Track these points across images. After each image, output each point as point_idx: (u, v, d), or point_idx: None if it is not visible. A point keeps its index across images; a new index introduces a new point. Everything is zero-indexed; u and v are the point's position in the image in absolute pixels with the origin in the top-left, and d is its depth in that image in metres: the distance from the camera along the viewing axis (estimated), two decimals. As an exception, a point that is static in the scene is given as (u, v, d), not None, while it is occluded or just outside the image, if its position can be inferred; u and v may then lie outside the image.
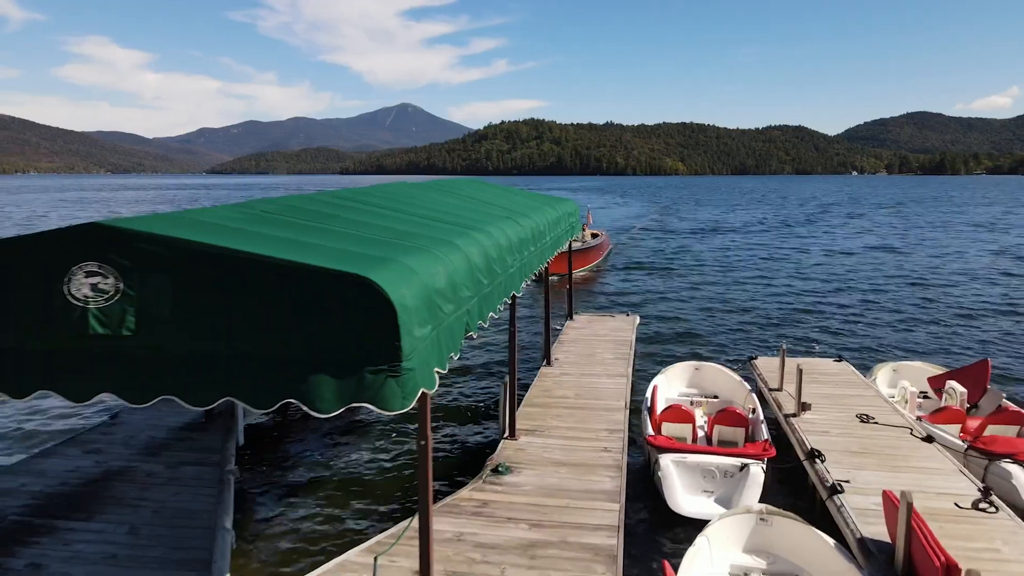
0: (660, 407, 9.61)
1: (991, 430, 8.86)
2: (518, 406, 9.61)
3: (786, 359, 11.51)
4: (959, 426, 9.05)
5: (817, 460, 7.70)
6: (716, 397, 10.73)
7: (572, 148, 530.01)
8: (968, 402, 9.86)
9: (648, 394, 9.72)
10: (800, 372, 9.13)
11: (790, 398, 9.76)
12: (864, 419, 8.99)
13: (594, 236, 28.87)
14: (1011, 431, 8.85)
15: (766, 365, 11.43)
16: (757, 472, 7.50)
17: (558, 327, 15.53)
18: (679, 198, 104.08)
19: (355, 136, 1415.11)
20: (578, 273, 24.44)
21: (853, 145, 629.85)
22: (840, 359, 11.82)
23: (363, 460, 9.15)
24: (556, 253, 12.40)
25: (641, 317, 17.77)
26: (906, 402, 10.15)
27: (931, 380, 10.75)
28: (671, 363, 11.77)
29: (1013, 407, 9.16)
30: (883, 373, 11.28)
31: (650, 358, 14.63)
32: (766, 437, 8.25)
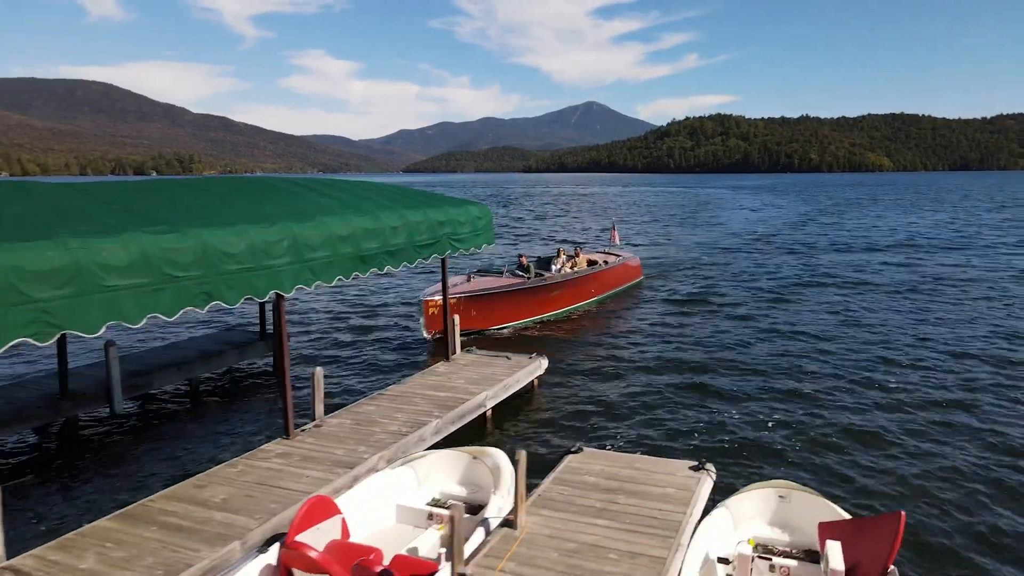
0: (308, 533, 6.10)
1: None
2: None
3: (611, 455, 7.52)
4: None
5: None
6: (482, 507, 7.04)
7: (760, 144, 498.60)
8: (853, 585, 5.43)
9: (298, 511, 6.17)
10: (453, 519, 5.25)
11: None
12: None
13: (591, 263, 20.03)
14: None
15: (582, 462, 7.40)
16: None
17: (410, 372, 12.28)
18: (849, 199, 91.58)
19: (540, 135, 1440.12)
20: (558, 314, 18.04)
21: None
22: (700, 465, 7.44)
23: None
24: (376, 271, 9.35)
25: (598, 366, 13.70)
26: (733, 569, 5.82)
27: (823, 528, 6.24)
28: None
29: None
30: (754, 498, 6.80)
31: (519, 433, 10.81)
32: None
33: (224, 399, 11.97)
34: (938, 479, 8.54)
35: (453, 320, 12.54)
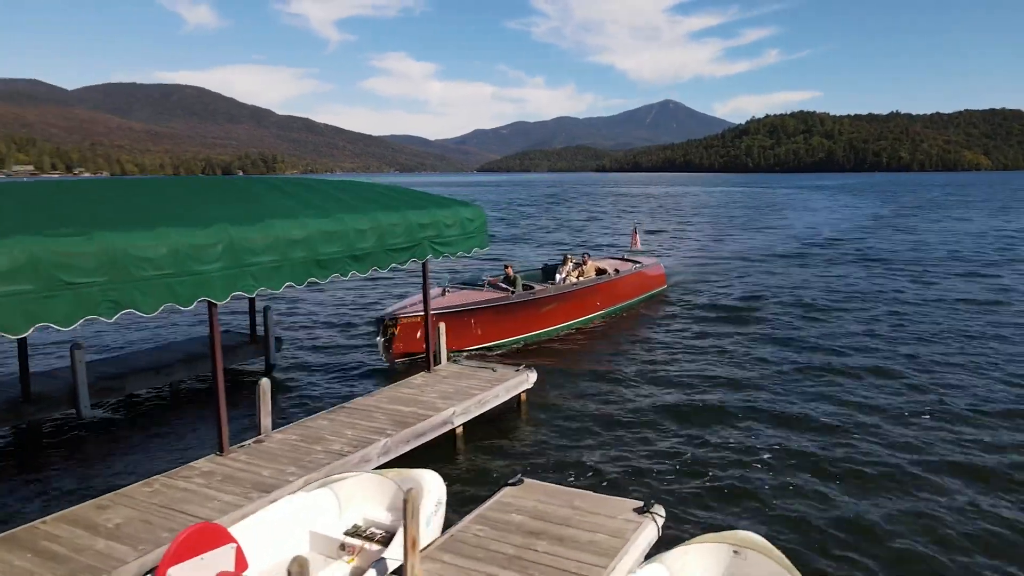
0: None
1: None
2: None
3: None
4: None
5: None
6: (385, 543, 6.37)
7: (846, 142, 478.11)
8: None
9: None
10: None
11: None
12: None
13: (600, 272, 18.06)
14: None
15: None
16: None
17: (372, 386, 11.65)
18: (934, 200, 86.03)
19: (615, 134, 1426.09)
20: (553, 331, 16.15)
21: None
22: (646, 508, 6.49)
23: None
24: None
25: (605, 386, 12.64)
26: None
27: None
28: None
29: None
30: (702, 552, 5.84)
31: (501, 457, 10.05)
32: None
33: (197, 405, 11.69)
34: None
35: (439, 328, 11.89)
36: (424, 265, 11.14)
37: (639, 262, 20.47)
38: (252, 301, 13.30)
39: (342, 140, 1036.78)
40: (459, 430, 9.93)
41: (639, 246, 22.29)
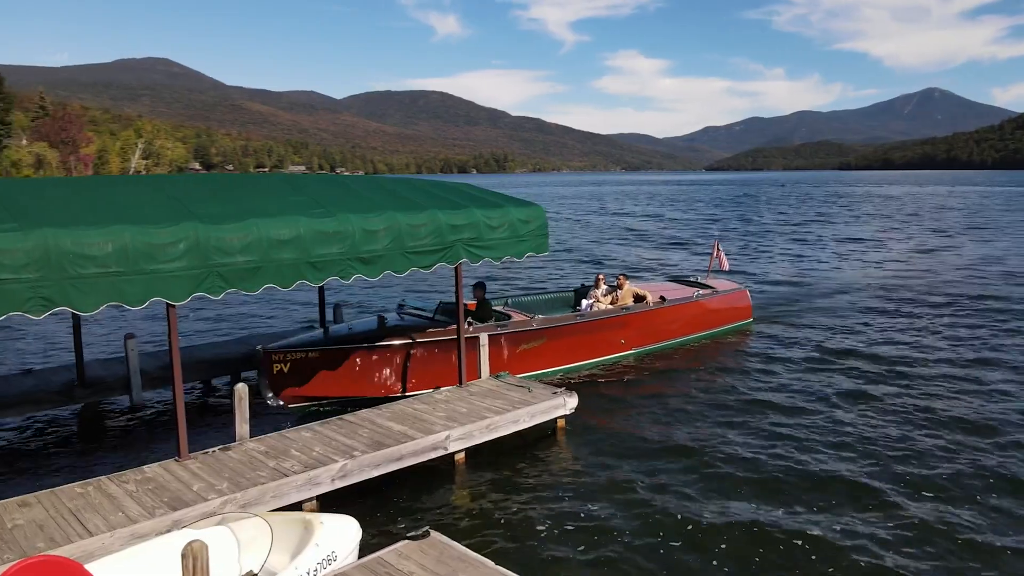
0: None
1: None
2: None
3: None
4: None
5: None
6: None
7: None
8: None
9: None
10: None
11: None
12: None
13: (638, 300, 14.10)
14: None
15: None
16: None
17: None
18: None
19: (864, 128, 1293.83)
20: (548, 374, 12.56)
21: None
22: None
23: None
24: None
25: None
26: None
27: None
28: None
29: None
30: None
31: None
32: None
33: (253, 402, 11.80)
34: None
35: (478, 340, 10.86)
36: (457, 269, 10.20)
37: (711, 287, 16.08)
38: (323, 296, 13.27)
39: (570, 139, 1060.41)
40: (460, 456, 8.88)
41: (725, 267, 17.44)
